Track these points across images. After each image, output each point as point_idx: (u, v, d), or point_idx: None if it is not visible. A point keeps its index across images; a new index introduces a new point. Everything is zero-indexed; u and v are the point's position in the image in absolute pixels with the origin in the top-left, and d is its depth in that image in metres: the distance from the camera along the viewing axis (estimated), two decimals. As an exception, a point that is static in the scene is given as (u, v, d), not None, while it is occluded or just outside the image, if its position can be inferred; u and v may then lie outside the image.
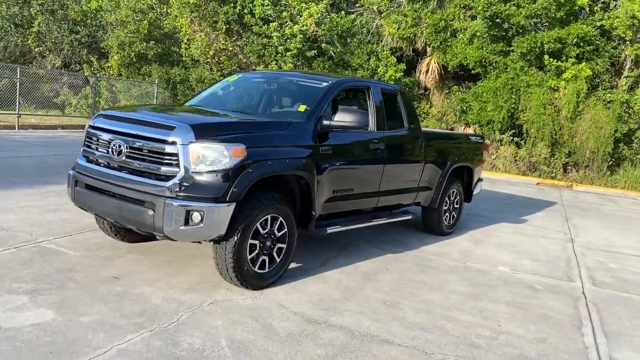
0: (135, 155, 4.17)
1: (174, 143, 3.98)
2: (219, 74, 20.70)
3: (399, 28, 19.04)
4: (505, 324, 4.27)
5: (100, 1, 24.05)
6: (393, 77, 18.51)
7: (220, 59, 21.56)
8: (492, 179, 14.65)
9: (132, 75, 23.11)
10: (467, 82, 19.41)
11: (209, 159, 3.98)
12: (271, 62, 19.57)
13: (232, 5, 20.34)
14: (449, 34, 18.29)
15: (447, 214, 7.10)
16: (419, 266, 5.62)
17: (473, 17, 17.92)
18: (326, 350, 3.48)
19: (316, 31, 19.08)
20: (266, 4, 18.90)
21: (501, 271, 5.78)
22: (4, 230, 5.29)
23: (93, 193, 4.43)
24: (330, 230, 5.07)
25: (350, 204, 5.41)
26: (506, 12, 16.16)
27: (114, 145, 4.28)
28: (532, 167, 16.39)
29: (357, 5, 21.06)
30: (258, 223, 4.26)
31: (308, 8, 19.15)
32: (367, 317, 4.10)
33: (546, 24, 17.17)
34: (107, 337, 3.34)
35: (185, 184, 3.96)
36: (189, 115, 4.45)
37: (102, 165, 4.43)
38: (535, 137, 16.18)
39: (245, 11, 20.20)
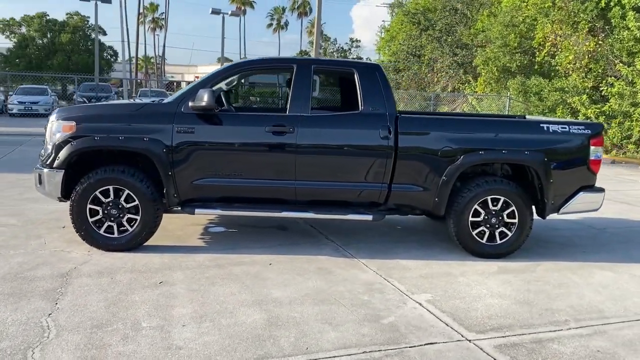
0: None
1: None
2: (585, 82, 18.52)
3: None
4: (191, 325, 3.53)
5: (485, 22, 24.84)
6: None
7: (582, 62, 19.04)
8: None
9: (501, 91, 23.06)
10: None
11: (53, 133, 5.04)
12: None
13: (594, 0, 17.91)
14: None
15: (482, 227, 5.26)
16: (319, 270, 4.78)
17: None
18: (15, 290, 4.04)
19: None
20: None
21: (396, 299, 4.21)
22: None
23: None
24: (198, 211, 5.07)
25: (241, 190, 5.11)
26: None
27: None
28: None
29: None
30: (97, 191, 4.95)
31: None
32: (95, 285, 4.22)
33: None
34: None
35: (43, 153, 5.15)
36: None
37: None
38: None
39: (611, 3, 17.44)
